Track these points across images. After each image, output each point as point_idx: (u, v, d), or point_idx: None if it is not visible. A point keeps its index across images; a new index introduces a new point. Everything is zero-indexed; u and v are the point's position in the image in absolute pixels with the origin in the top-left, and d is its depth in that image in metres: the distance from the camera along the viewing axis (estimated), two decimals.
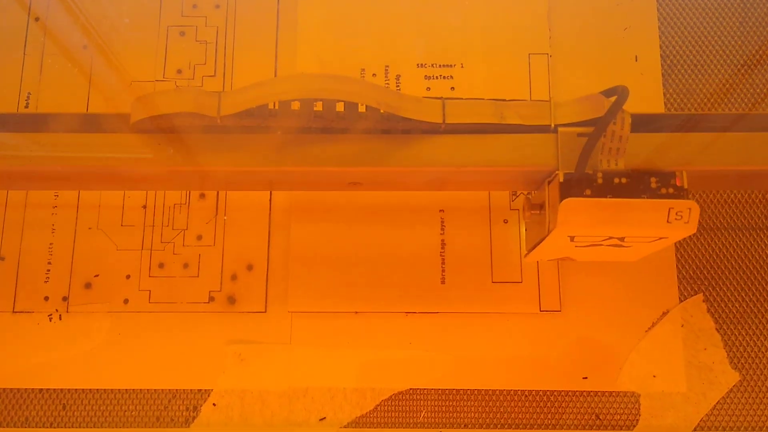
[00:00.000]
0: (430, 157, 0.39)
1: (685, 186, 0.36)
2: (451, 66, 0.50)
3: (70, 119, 0.41)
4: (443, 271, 0.47)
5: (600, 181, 0.37)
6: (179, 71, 0.50)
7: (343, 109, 0.38)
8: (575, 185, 0.37)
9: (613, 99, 0.38)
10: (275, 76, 0.50)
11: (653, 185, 0.37)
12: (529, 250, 0.42)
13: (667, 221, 0.36)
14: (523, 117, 0.39)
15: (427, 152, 0.39)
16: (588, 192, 0.36)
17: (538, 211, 0.40)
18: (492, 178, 0.42)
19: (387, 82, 0.50)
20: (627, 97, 0.37)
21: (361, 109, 0.38)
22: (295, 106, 0.38)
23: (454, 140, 0.39)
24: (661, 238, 0.37)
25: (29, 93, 0.50)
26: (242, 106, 0.37)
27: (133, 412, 0.46)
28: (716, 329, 0.46)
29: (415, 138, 0.39)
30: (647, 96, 0.50)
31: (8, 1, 0.51)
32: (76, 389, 0.46)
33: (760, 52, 0.51)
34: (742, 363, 0.46)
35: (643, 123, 0.39)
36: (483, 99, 0.39)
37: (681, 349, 0.46)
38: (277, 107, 0.38)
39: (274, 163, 0.39)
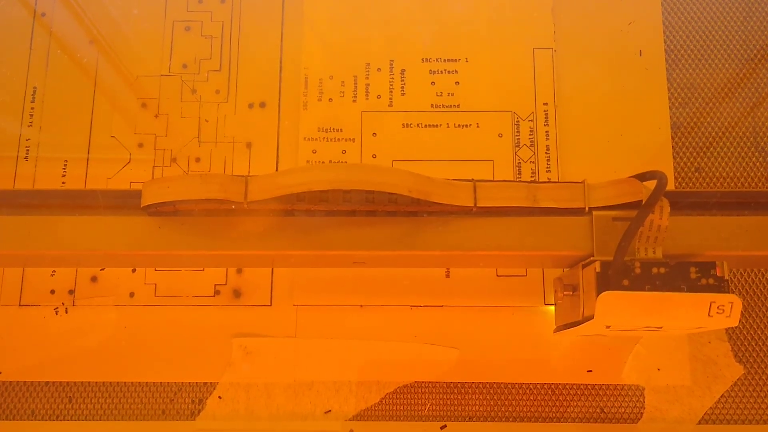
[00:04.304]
0: (461, 241, 0.38)
1: (726, 276, 0.36)
2: (455, 60, 0.50)
3: (73, 196, 0.40)
4: None
5: (638, 270, 0.36)
6: (185, 66, 0.50)
7: (371, 192, 0.37)
8: (612, 275, 0.36)
9: (648, 183, 0.37)
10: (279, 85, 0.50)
11: (693, 275, 0.36)
12: (560, 328, 0.42)
13: (708, 315, 0.35)
14: (556, 200, 0.38)
15: (457, 236, 0.38)
16: (626, 282, 0.36)
17: (571, 293, 0.39)
18: (522, 260, 0.42)
19: (392, 76, 0.50)
20: (666, 184, 0.36)
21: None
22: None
23: (484, 223, 0.38)
24: (700, 327, 0.37)
25: (35, 87, 0.50)
26: (270, 194, 0.36)
27: (139, 405, 0.46)
28: None
29: (445, 221, 0.38)
30: (651, 91, 0.50)
31: None
32: (82, 382, 0.46)
33: (765, 46, 0.51)
34: (746, 356, 0.46)
35: (678, 202, 0.38)
36: (515, 181, 0.38)
37: (685, 342, 0.46)
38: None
39: (302, 248, 0.38)
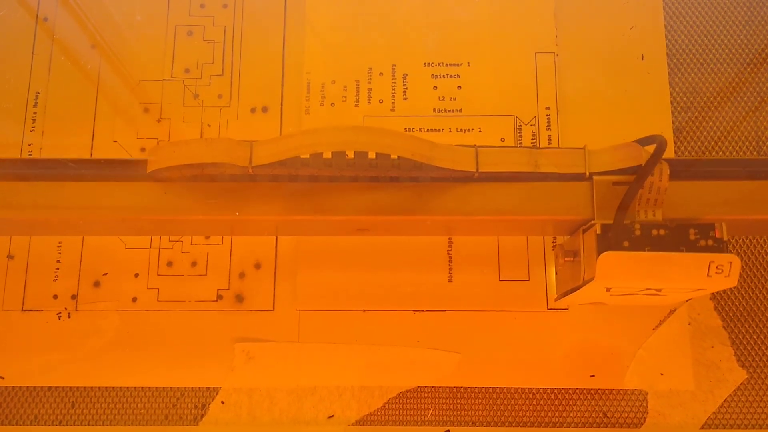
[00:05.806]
0: (463, 205, 0.39)
1: (725, 238, 0.36)
2: (457, 65, 0.50)
3: (76, 166, 0.40)
4: (450, 269, 0.47)
5: (638, 232, 0.36)
6: (187, 70, 0.50)
7: (375, 157, 0.38)
8: (613, 237, 0.36)
9: (648, 147, 0.37)
10: (283, 73, 0.50)
11: (692, 237, 0.36)
12: (561, 296, 0.42)
13: (708, 275, 0.35)
14: (557, 165, 0.38)
15: (460, 201, 0.39)
16: (626, 244, 0.36)
17: (572, 259, 0.40)
18: (522, 225, 0.42)
19: (394, 80, 0.50)
20: (665, 147, 0.37)
21: (393, 156, 0.37)
22: (327, 154, 0.38)
23: (486, 188, 0.39)
24: (699, 290, 0.37)
25: (38, 92, 0.50)
26: (275, 158, 0.36)
27: (142, 410, 0.46)
28: (723, 327, 0.46)
29: (447, 186, 0.39)
30: (653, 95, 0.50)
31: (17, 0, 0.52)
32: (84, 387, 0.46)
33: (767, 50, 0.51)
34: (749, 360, 0.46)
35: (679, 169, 0.39)
36: (517, 147, 0.39)
37: (688, 346, 0.46)
38: (308, 156, 0.38)
39: (305, 213, 0.39)
